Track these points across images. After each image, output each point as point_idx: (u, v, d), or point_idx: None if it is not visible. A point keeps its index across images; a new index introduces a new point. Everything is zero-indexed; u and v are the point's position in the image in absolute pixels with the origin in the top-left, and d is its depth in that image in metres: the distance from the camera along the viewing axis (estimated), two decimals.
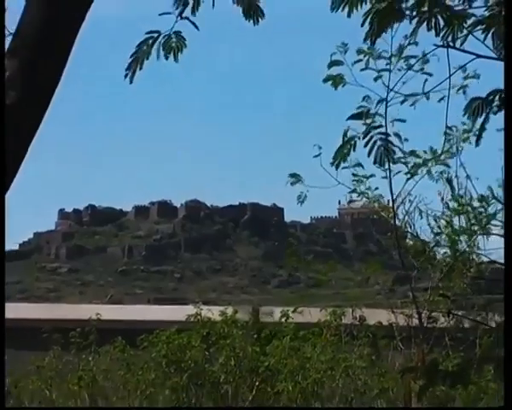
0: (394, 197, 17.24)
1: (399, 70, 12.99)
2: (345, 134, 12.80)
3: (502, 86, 11.10)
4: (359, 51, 13.13)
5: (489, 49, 11.29)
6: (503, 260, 20.24)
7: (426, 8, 11.22)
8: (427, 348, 18.30)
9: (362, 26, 11.35)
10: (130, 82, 10.94)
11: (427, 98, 12.60)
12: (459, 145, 17.88)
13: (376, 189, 19.72)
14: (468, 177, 18.38)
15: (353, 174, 18.65)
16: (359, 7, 11.39)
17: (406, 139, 14.19)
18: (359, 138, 12.97)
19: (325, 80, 13.85)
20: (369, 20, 11.31)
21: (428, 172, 18.18)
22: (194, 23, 10.79)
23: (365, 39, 11.63)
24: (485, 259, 19.95)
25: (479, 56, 11.67)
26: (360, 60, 13.24)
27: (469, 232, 19.81)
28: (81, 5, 8.20)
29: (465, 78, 12.93)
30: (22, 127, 8.22)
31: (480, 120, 11.39)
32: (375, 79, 13.26)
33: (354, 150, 13.06)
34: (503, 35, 10.01)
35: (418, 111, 12.99)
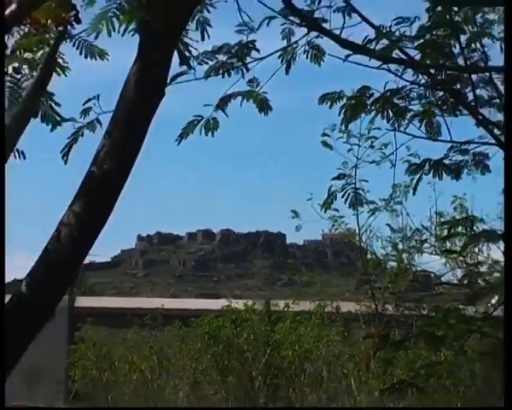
0: (360, 228, 18.22)
1: (365, 147, 13.39)
2: (329, 189, 12.78)
3: (433, 156, 11.61)
4: (340, 131, 13.21)
5: (422, 132, 11.55)
6: (431, 270, 21.06)
7: (380, 104, 11.39)
8: (381, 327, 18.81)
9: (338, 115, 11.59)
10: (178, 144, 10.25)
11: (378, 165, 12.94)
12: (402, 194, 18.40)
13: (347, 224, 20.43)
14: (408, 214, 19.84)
15: (333, 216, 19.73)
16: (338, 102, 11.45)
17: (368, 191, 13.97)
18: (339, 192, 12.90)
19: (323, 144, 13.99)
20: (344, 111, 11.55)
21: (383, 210, 19.30)
22: (225, 113, 10.06)
23: (341, 124, 11.97)
24: (419, 268, 21.04)
25: (415, 137, 11.69)
26: (341, 137, 13.52)
27: (409, 251, 20.96)
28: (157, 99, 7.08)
29: (408, 149, 12.51)
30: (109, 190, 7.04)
31: (416, 178, 11.74)
32: (348, 151, 13.41)
33: (336, 200, 12.92)
34: (504, 36, 8.75)
35: (380, 171, 13.27)
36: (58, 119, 7.99)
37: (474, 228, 13.17)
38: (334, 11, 10.18)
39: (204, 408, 20.89)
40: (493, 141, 11.50)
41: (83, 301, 22.77)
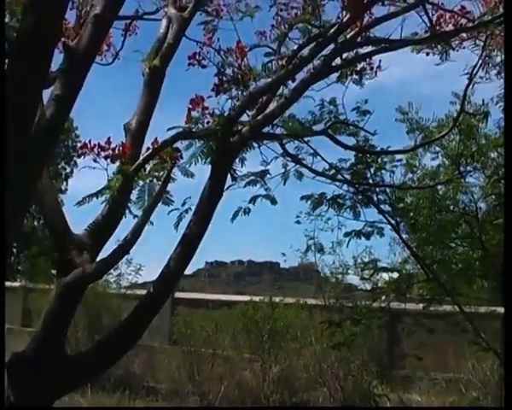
0: (316, 261, 19.52)
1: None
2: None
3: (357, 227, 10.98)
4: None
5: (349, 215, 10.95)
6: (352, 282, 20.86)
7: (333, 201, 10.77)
8: (329, 313, 19.00)
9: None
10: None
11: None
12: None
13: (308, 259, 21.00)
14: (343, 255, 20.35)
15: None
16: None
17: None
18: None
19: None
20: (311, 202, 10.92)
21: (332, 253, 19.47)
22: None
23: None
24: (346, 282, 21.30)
25: (346, 218, 10.95)
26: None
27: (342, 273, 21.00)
28: None
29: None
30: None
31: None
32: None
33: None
34: (504, 35, 7.17)
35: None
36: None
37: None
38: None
39: (204, 408, 20.11)
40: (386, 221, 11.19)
41: (178, 294, 23.47)
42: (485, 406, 16.52)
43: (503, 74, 10.60)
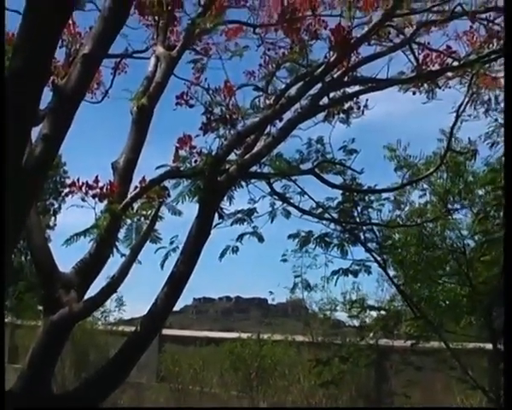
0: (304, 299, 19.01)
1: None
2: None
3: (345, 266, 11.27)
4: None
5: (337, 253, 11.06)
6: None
7: (320, 240, 10.86)
8: (316, 351, 18.59)
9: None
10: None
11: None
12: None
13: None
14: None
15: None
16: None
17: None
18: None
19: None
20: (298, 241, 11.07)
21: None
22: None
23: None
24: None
25: (335, 257, 11.09)
26: None
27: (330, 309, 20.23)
28: None
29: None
30: None
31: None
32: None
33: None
34: (504, 35, 6.98)
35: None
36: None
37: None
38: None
39: (204, 409, 20.21)
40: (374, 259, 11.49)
41: (165, 331, 23.08)
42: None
43: (490, 112, 10.91)
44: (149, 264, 7.53)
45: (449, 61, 8.90)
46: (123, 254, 6.72)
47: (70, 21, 8.46)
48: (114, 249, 6.77)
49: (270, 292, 21.67)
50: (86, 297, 6.88)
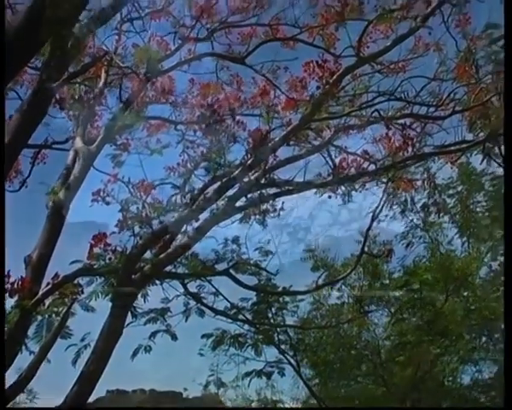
0: None
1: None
2: None
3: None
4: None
5: None
6: None
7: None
8: None
9: None
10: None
11: None
12: None
13: None
14: None
15: None
16: None
17: None
18: None
19: None
20: None
21: None
22: None
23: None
24: None
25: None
26: None
27: None
28: None
29: None
30: None
31: None
32: None
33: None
34: (504, 35, 5.64)
35: None
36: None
37: None
38: None
39: (204, 409, 19.30)
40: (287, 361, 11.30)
41: None
42: None
43: (407, 213, 11.23)
44: (61, 359, 7.60)
45: (365, 164, 9.12)
46: (31, 352, 6.68)
47: None
48: (23, 347, 6.72)
49: (185, 388, 20.78)
50: None
